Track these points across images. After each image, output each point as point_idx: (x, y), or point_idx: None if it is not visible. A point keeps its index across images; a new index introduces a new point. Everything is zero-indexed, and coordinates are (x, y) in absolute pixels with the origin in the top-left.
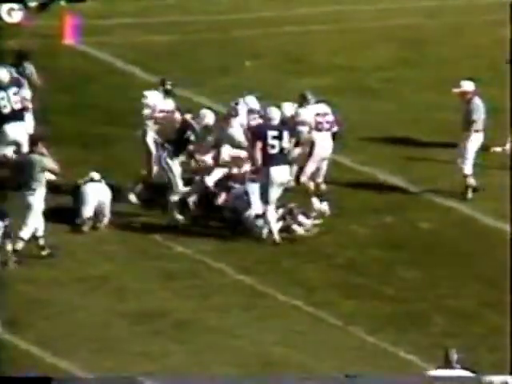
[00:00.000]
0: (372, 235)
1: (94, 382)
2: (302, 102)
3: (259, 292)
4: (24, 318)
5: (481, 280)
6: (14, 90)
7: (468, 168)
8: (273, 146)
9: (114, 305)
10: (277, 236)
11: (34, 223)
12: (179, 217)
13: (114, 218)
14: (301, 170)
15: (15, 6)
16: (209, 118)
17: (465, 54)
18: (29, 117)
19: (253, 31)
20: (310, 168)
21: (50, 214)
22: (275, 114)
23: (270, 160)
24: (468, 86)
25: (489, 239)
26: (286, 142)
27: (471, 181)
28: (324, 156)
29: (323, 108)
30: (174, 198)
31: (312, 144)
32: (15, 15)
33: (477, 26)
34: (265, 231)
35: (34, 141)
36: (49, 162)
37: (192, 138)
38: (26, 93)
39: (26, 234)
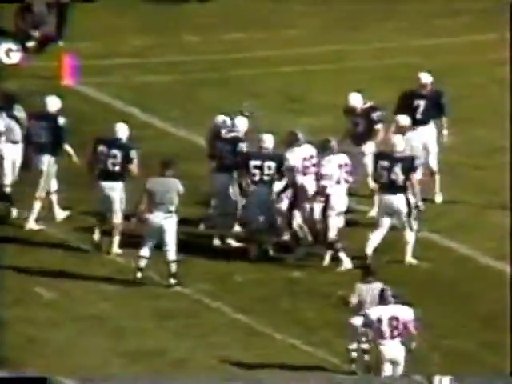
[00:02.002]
0: None
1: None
2: (293, 141)
3: (256, 331)
4: (21, 358)
5: (479, 320)
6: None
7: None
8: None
9: (111, 344)
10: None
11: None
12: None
13: (112, 257)
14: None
15: (13, 46)
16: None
17: (463, 93)
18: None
19: (251, 71)
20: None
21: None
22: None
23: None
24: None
25: (488, 279)
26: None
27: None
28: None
29: (310, 151)
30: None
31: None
32: (13, 56)
33: (475, 65)
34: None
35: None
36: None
37: None
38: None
39: (172, 255)
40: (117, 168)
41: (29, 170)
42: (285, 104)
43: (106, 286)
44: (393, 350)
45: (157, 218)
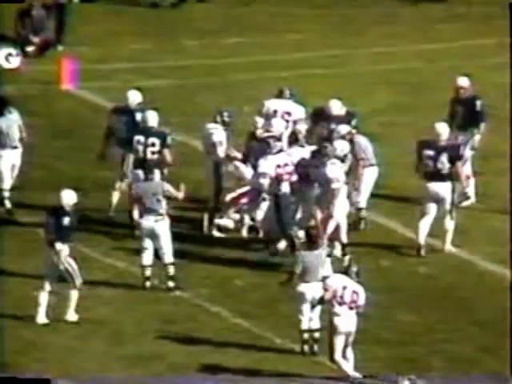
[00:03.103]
0: (369, 279)
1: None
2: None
3: (256, 335)
4: (20, 362)
5: (479, 325)
6: None
7: (363, 202)
8: None
9: (111, 348)
10: None
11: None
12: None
13: (111, 261)
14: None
15: (13, 51)
16: None
17: None
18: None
19: (250, 75)
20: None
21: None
22: None
23: None
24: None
25: (487, 284)
26: None
27: (364, 213)
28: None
29: (285, 159)
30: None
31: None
32: (13, 61)
33: (475, 70)
34: None
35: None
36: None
37: None
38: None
39: (169, 258)
40: (155, 156)
41: (104, 160)
42: None
43: (105, 291)
44: (348, 322)
45: (148, 221)
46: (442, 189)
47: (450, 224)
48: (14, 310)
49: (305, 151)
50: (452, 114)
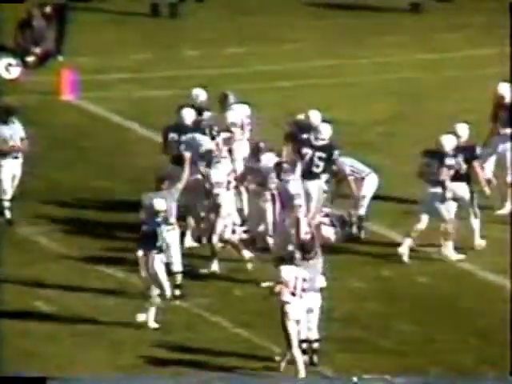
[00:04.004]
0: (369, 289)
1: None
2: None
3: (256, 345)
4: (19, 371)
5: (479, 335)
6: None
7: (362, 210)
8: None
9: (110, 357)
10: None
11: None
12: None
13: (111, 271)
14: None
15: (13, 61)
16: None
17: (462, 108)
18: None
19: (250, 85)
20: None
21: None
22: None
23: None
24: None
25: (487, 294)
26: None
27: (363, 223)
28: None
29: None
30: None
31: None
32: (13, 71)
33: (475, 79)
34: None
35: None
36: None
37: None
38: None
39: (178, 266)
40: None
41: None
42: (284, 118)
43: (104, 300)
44: (298, 309)
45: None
46: (460, 188)
47: (475, 223)
48: (13, 320)
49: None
50: (495, 119)
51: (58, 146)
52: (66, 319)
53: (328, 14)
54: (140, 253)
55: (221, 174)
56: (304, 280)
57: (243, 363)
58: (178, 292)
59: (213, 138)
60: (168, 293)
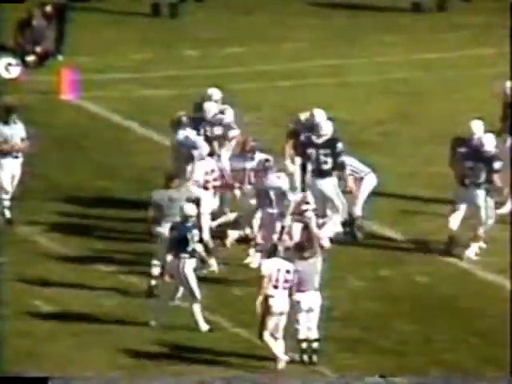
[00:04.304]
0: (368, 288)
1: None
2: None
3: (255, 345)
4: (20, 371)
5: (478, 335)
6: None
7: (359, 210)
8: None
9: (111, 357)
10: None
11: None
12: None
13: (111, 271)
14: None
15: (13, 61)
16: None
17: (462, 108)
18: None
19: (250, 85)
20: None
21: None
22: None
23: None
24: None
25: (486, 294)
26: None
27: (360, 222)
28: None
29: (212, 164)
30: None
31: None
32: (13, 71)
33: (475, 79)
34: None
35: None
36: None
37: None
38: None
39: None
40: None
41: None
42: (284, 118)
43: (105, 300)
44: (282, 301)
45: (165, 229)
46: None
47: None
48: (14, 319)
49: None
50: (504, 118)
51: (58, 146)
52: (66, 319)
53: (328, 13)
54: (169, 257)
55: (199, 172)
56: (287, 272)
57: (243, 363)
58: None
59: (207, 139)
60: (198, 296)
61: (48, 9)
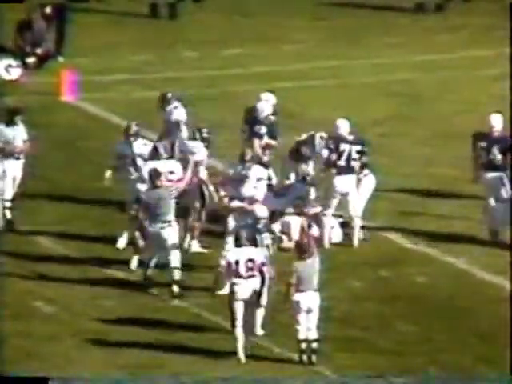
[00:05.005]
0: (368, 288)
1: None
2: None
3: (255, 345)
4: (20, 372)
5: (477, 334)
6: None
7: (359, 211)
8: None
9: (111, 357)
10: None
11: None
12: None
13: (112, 272)
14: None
15: (13, 62)
16: None
17: (460, 109)
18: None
19: (248, 86)
20: None
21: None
22: None
23: None
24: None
25: (485, 294)
26: None
27: (361, 222)
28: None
29: (172, 165)
30: None
31: None
32: (13, 72)
33: (472, 80)
34: None
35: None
36: None
37: None
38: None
39: (175, 262)
40: None
41: None
42: (282, 119)
43: (105, 300)
44: (247, 289)
45: (154, 228)
46: (496, 178)
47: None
48: (14, 320)
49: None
50: None
51: (58, 147)
52: (67, 319)
53: (327, 15)
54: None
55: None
56: (249, 260)
57: (243, 363)
58: (176, 289)
59: (203, 140)
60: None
61: (48, 10)
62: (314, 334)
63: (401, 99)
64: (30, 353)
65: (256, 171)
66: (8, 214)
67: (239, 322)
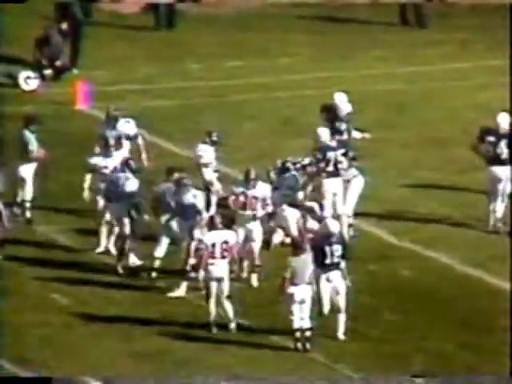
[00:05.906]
0: (357, 281)
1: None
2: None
3: (254, 333)
4: (38, 358)
5: (458, 323)
6: None
7: (350, 211)
8: None
9: (121, 345)
10: None
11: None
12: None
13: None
14: None
15: (32, 74)
16: None
17: (442, 116)
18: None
19: (249, 96)
20: None
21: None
22: None
23: None
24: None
25: (465, 285)
26: None
27: (351, 221)
28: None
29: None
30: None
31: None
32: (32, 83)
33: (453, 90)
34: None
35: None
36: None
37: None
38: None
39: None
40: None
41: None
42: (280, 126)
43: (115, 292)
44: (220, 269)
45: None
46: (502, 172)
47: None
48: (33, 311)
49: None
50: None
51: (73, 152)
52: (80, 310)
53: (321, 30)
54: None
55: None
56: (225, 242)
57: (243, 350)
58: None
59: (212, 144)
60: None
61: (64, 26)
62: (307, 323)
63: (387, 107)
64: (48, 340)
65: (261, 189)
66: (27, 214)
67: (212, 298)
